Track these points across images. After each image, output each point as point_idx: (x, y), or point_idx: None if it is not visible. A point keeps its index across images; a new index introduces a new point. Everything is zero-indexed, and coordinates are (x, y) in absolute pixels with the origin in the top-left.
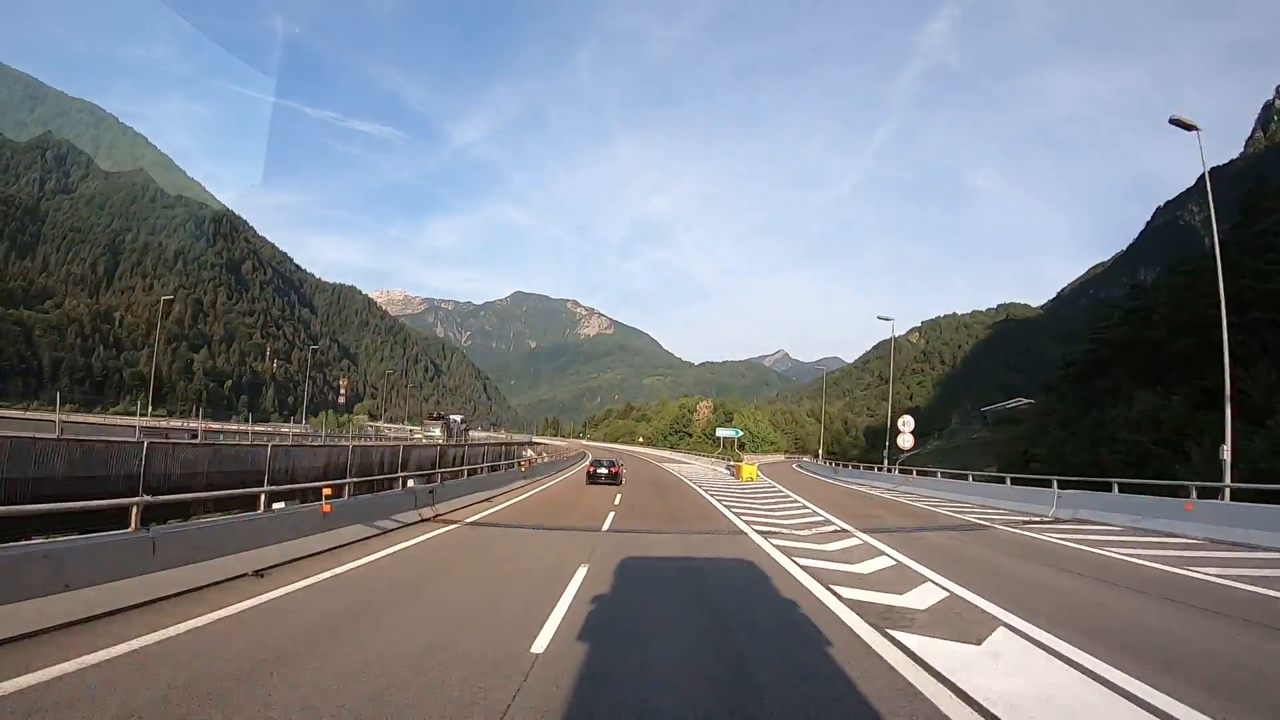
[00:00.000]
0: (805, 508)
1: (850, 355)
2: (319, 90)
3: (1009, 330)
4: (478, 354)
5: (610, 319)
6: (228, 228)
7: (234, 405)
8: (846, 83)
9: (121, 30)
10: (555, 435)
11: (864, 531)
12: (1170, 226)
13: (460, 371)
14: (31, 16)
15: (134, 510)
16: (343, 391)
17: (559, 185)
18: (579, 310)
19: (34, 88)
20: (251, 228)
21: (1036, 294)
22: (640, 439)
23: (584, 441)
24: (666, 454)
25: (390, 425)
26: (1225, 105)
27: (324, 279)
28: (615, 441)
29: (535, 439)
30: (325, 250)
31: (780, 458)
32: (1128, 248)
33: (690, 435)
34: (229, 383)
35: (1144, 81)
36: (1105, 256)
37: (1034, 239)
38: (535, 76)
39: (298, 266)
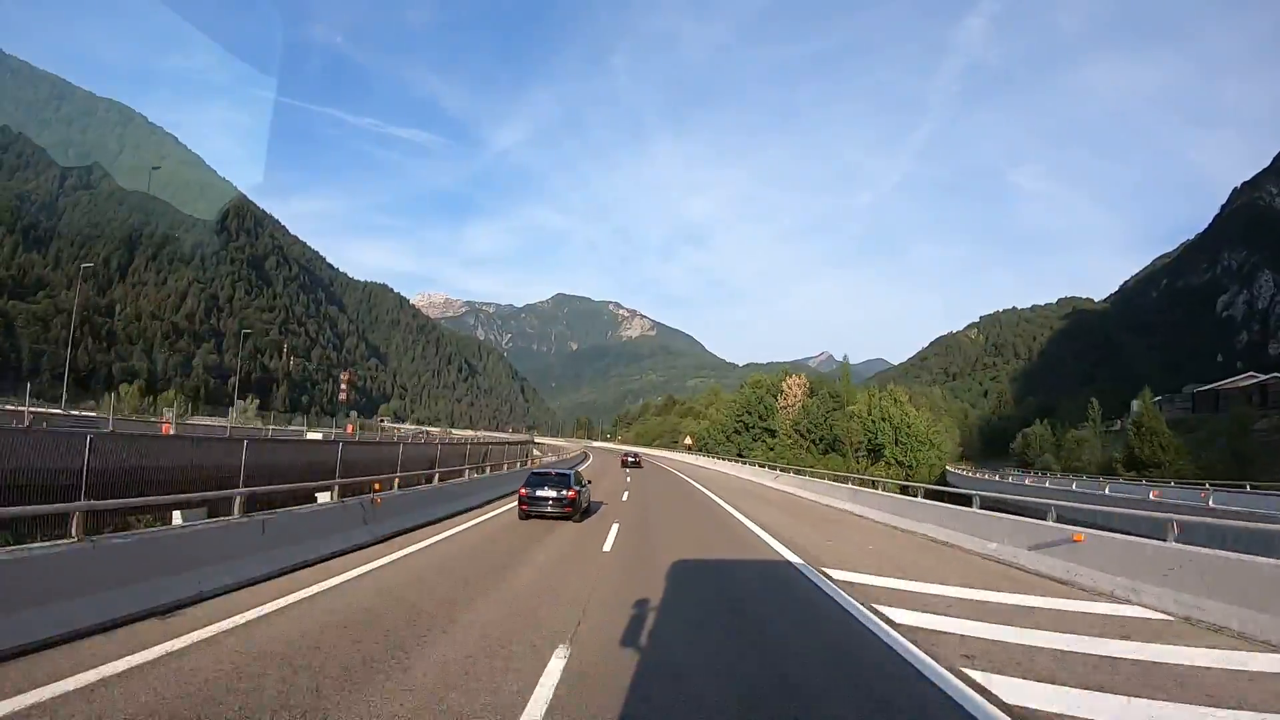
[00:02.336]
0: None
1: (895, 356)
2: (358, 98)
3: (1081, 324)
4: (518, 356)
5: (653, 320)
6: (251, 223)
7: (236, 403)
8: (884, 81)
9: (159, 42)
10: (586, 437)
11: None
12: (1250, 208)
13: (496, 372)
14: (68, 27)
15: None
16: (343, 388)
17: (598, 188)
18: (621, 312)
19: (60, 86)
20: (284, 226)
21: (1087, 288)
22: (687, 438)
23: (600, 444)
24: (747, 474)
25: (399, 425)
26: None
27: (356, 278)
28: (649, 445)
29: (538, 439)
30: (366, 254)
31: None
32: (1202, 233)
33: (773, 433)
34: (233, 379)
35: (1189, 72)
36: (1156, 250)
37: (1081, 235)
38: (572, 80)
39: (330, 265)
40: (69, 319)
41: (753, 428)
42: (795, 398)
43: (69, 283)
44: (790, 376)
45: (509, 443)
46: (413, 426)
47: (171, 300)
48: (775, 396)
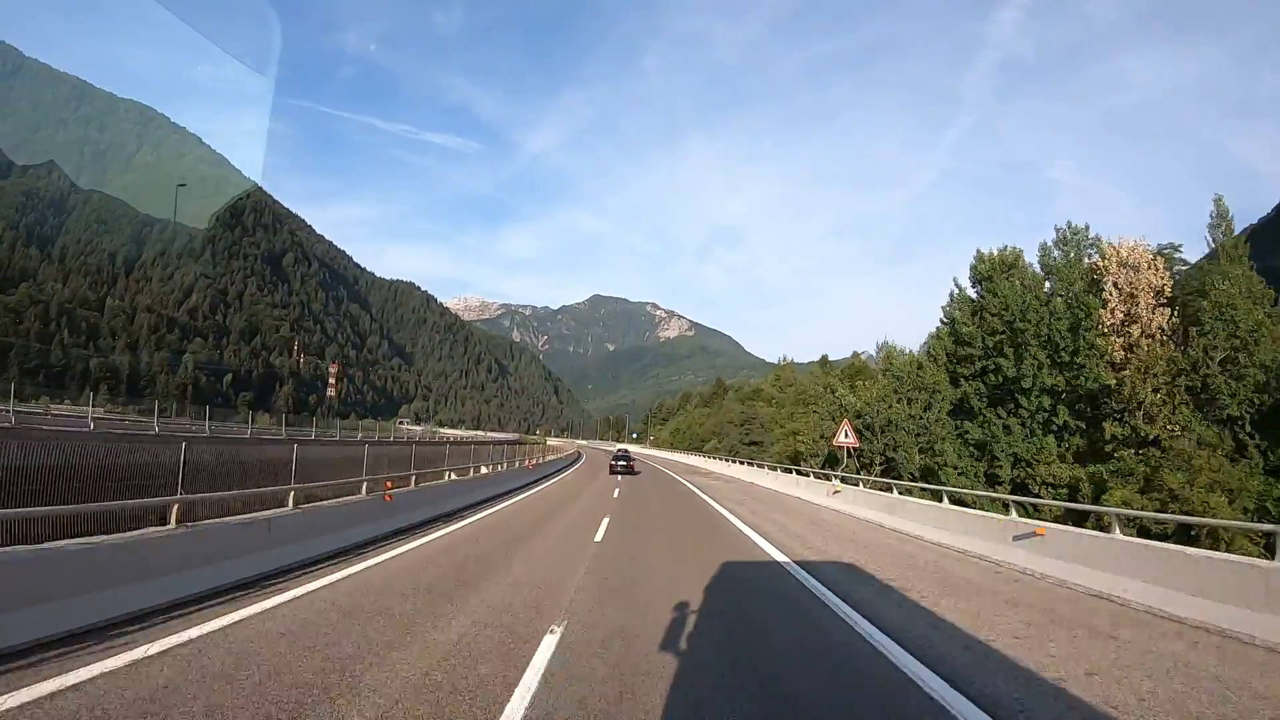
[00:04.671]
0: None
1: None
2: (393, 104)
3: None
4: (555, 358)
5: (691, 321)
6: (270, 219)
7: (231, 401)
8: (918, 77)
9: (191, 51)
10: (616, 438)
11: None
12: None
13: (529, 373)
14: (92, 38)
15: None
16: (332, 381)
17: (633, 190)
18: (658, 313)
19: (80, 88)
20: (309, 225)
21: None
22: (843, 432)
23: (625, 446)
24: None
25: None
26: None
27: (382, 276)
28: (698, 450)
29: (549, 441)
30: (403, 259)
31: None
32: (1275, 211)
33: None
34: (229, 377)
35: (1223, 62)
36: (1201, 239)
37: (1119, 227)
38: (603, 82)
39: (355, 263)
40: (46, 311)
41: (1027, 392)
42: (1143, 301)
43: (65, 277)
44: (1123, 243)
45: (470, 443)
46: (418, 427)
47: (174, 295)
48: (1098, 294)
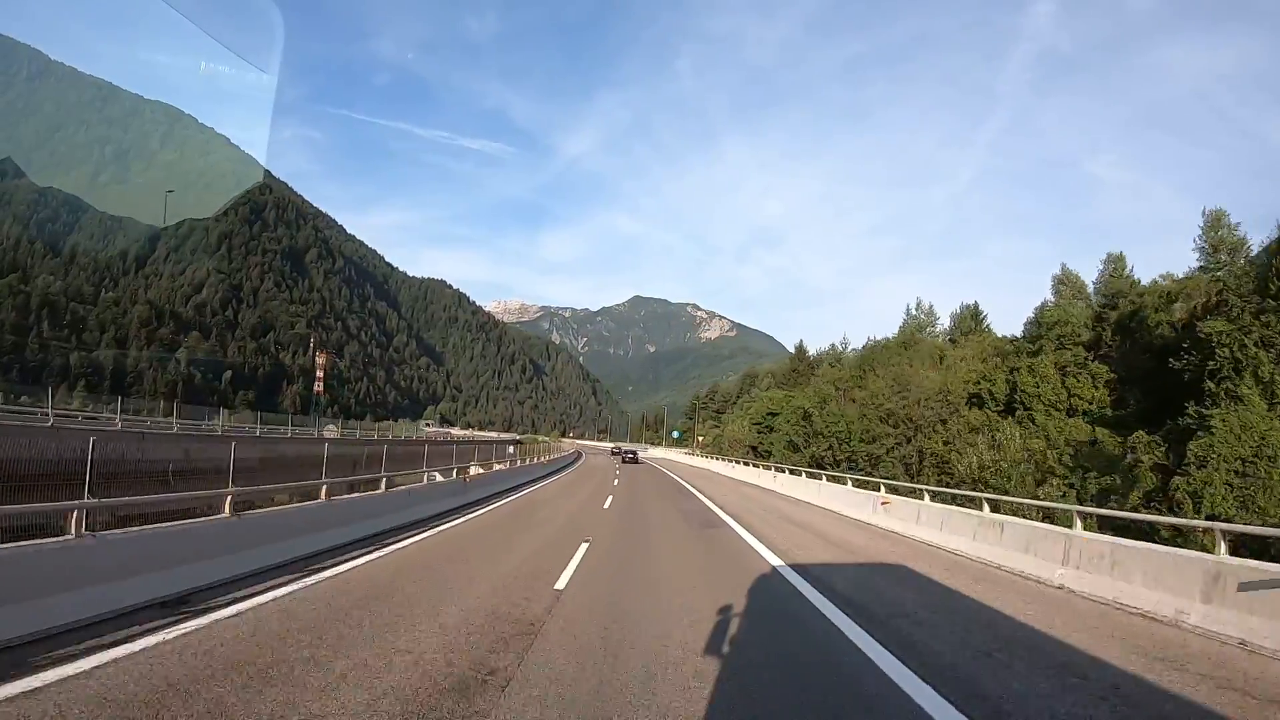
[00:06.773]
0: None
1: None
2: (428, 111)
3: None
4: (595, 360)
5: (732, 321)
6: (293, 215)
7: (229, 400)
8: (955, 73)
9: (226, 60)
10: (657, 440)
11: None
12: None
13: (566, 373)
14: (130, 40)
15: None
16: (319, 375)
17: (671, 192)
18: (699, 314)
19: (106, 89)
20: (340, 225)
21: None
22: None
23: (658, 451)
24: None
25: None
26: None
27: (412, 274)
28: (861, 470)
29: (561, 441)
30: (443, 264)
31: None
32: None
33: None
34: (228, 374)
35: (1263, 50)
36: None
37: (1161, 220)
38: (638, 85)
39: (385, 261)
40: (26, 302)
41: None
42: None
43: (66, 271)
44: None
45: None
46: (435, 428)
47: (183, 290)
48: None
